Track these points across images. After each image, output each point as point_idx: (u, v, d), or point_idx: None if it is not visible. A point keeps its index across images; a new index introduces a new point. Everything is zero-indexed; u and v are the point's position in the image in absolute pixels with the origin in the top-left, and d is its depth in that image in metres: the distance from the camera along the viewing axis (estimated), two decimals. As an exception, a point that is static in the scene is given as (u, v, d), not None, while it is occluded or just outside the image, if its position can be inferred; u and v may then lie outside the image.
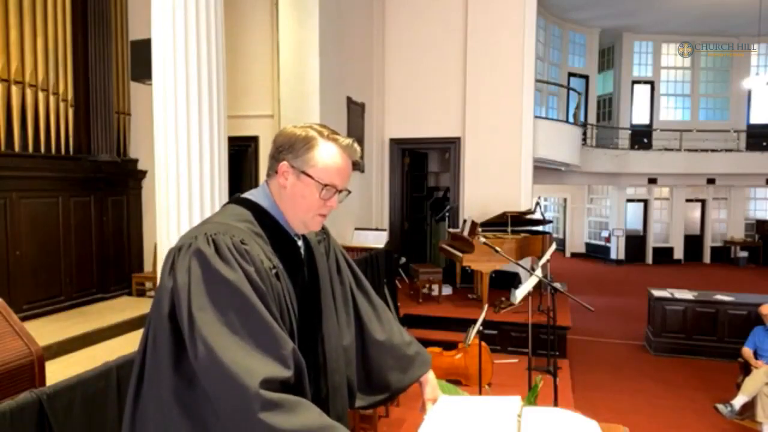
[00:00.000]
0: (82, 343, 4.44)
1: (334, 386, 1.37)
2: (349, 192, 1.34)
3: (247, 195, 1.34)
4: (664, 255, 14.36)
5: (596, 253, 14.93)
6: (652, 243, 14.46)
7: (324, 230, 1.51)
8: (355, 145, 1.31)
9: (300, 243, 1.36)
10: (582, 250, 15.51)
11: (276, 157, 1.28)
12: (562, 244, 15.34)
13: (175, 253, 1.19)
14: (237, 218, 1.26)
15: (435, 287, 7.32)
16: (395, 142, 8.66)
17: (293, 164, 1.26)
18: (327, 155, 1.26)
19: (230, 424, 1.06)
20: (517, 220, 7.25)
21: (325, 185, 1.25)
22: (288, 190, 1.28)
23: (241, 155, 6.55)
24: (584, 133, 12.18)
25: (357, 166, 1.33)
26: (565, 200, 15.81)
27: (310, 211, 1.28)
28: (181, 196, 3.66)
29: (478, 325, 4.32)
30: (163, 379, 1.14)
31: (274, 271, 1.21)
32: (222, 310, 1.10)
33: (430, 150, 9.91)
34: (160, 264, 3.74)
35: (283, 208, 1.30)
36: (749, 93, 14.29)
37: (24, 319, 3.70)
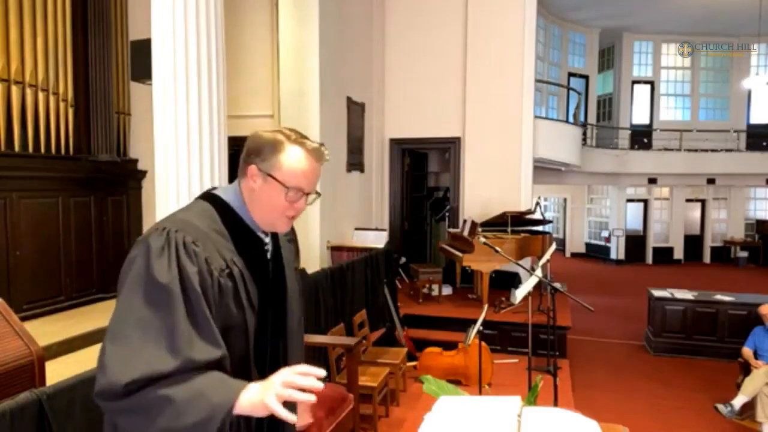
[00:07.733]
0: (82, 343, 4.44)
1: None
2: (319, 194, 1.38)
3: (218, 191, 1.39)
4: (664, 255, 14.36)
5: (596, 253, 14.93)
6: (652, 243, 14.46)
7: (293, 231, 1.54)
8: (323, 148, 1.35)
9: (267, 240, 1.41)
10: (582, 250, 15.52)
11: (246, 160, 1.33)
12: (562, 244, 15.35)
13: (136, 243, 1.26)
14: (200, 215, 1.31)
15: (435, 287, 7.32)
16: (395, 142, 8.66)
17: (261, 167, 1.31)
18: (293, 158, 1.30)
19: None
20: (517, 220, 7.24)
21: (290, 188, 1.30)
22: (256, 192, 1.33)
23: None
24: (584, 133, 12.18)
25: (321, 159, 1.36)
26: (565, 200, 15.82)
27: (277, 212, 1.33)
28: (181, 196, 3.66)
29: (478, 325, 4.33)
30: None
31: (227, 271, 1.26)
32: (142, 303, 1.15)
33: (430, 150, 9.91)
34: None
35: (252, 208, 1.35)
36: (749, 93, 14.30)
37: (24, 319, 3.70)
